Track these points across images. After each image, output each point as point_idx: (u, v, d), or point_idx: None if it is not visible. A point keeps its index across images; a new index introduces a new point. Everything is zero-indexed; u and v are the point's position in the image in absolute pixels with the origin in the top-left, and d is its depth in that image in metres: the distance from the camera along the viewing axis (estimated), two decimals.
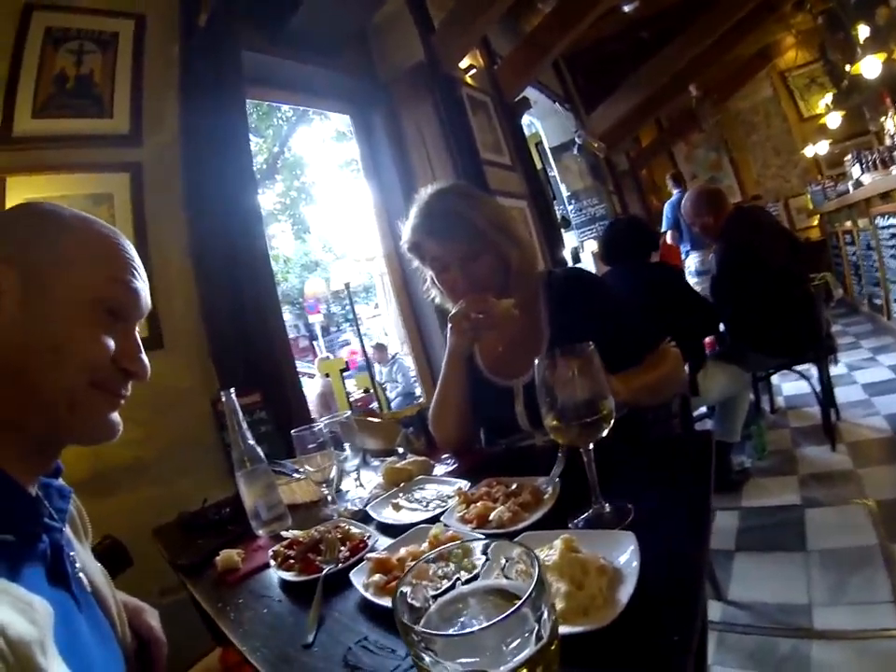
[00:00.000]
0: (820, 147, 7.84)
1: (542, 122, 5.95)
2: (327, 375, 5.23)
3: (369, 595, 0.81)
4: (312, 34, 3.03)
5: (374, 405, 5.04)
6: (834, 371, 3.55)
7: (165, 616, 1.10)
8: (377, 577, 0.84)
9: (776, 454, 3.17)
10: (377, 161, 3.71)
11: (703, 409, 3.27)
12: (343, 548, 1.00)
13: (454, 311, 1.37)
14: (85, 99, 2.32)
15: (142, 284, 0.81)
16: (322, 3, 2.88)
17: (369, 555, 0.90)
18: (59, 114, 2.24)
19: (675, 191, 6.61)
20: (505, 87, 4.35)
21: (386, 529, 1.10)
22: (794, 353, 3.09)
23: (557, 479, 1.04)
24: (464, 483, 1.17)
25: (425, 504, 1.14)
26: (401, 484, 1.28)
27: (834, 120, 7.45)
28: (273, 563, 1.03)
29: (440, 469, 1.39)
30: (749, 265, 2.97)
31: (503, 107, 4.29)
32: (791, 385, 4.13)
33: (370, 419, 1.80)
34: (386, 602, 0.77)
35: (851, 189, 5.29)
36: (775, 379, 3.90)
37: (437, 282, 1.48)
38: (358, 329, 5.20)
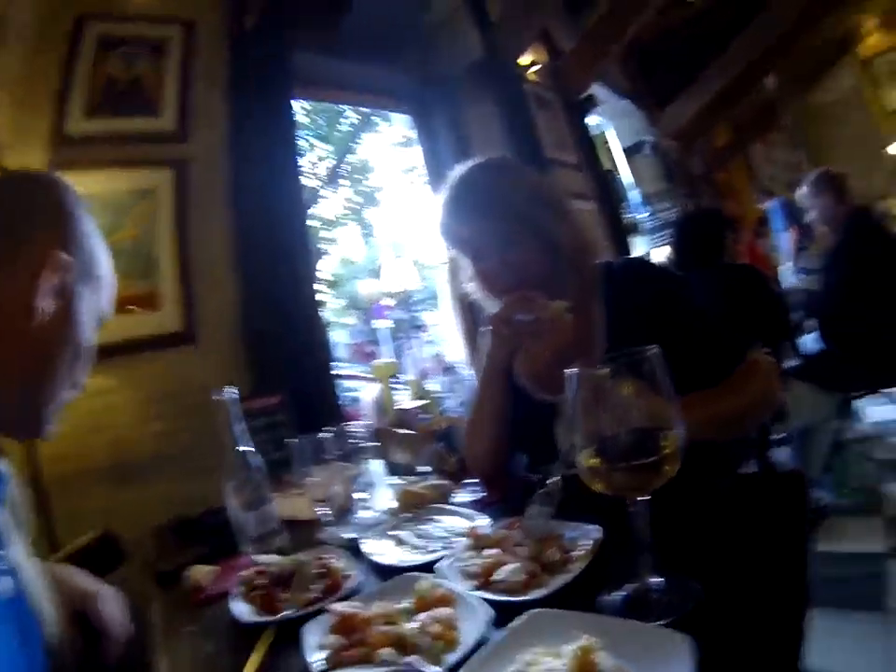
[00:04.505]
0: None
1: (612, 122, 5.69)
2: (377, 381, 5.10)
3: (313, 661, 0.65)
4: (365, 33, 2.95)
5: (424, 416, 4.86)
6: None
7: None
8: (334, 638, 0.68)
9: (858, 490, 2.79)
10: (438, 161, 3.57)
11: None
12: (316, 586, 0.84)
13: (493, 312, 1.16)
14: (134, 100, 2.36)
15: None
16: (374, 3, 2.82)
17: (332, 606, 0.73)
18: (108, 114, 2.29)
19: (771, 202, 6.38)
20: (570, 83, 4.18)
21: (378, 568, 0.92)
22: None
23: (544, 517, 0.83)
24: (483, 521, 0.98)
25: (429, 542, 0.96)
26: (414, 511, 1.11)
27: None
28: (237, 590, 0.90)
29: (464, 497, 1.21)
30: (872, 259, 2.77)
31: (569, 105, 4.13)
32: (877, 410, 3.67)
33: (397, 430, 1.63)
34: None
35: None
36: (860, 403, 3.49)
37: (473, 273, 1.25)
38: (414, 335, 5.01)
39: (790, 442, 2.77)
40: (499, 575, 0.76)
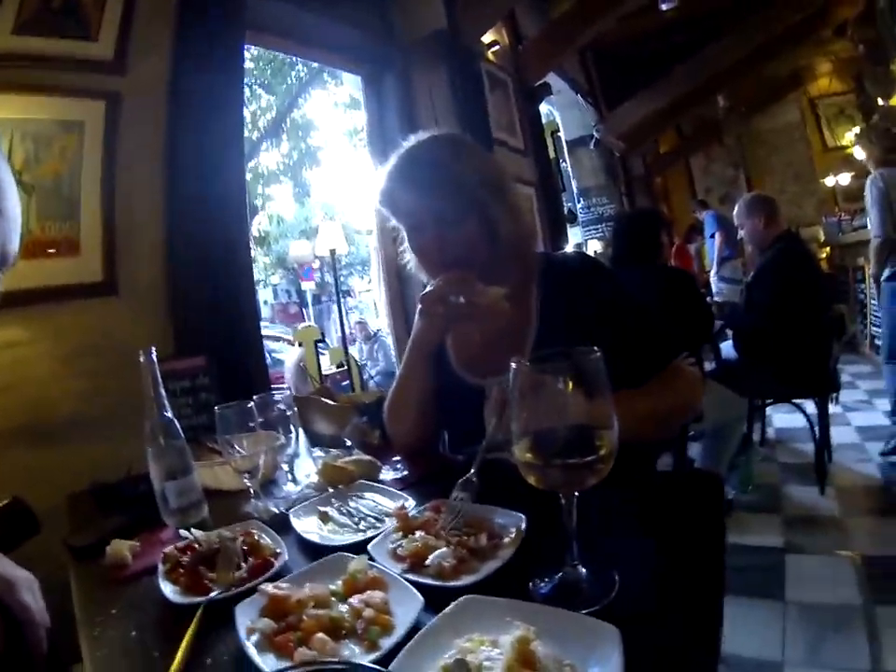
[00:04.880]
0: (842, 178, 7.70)
1: (561, 113, 5.77)
2: (300, 344, 4.98)
3: (249, 646, 0.62)
4: None
5: (345, 383, 4.82)
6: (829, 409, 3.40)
7: None
8: (265, 622, 0.65)
9: (761, 488, 3.01)
10: (383, 126, 3.49)
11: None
12: (244, 564, 0.80)
13: (427, 289, 1.14)
14: (70, 19, 2.11)
15: None
16: None
17: (263, 587, 0.70)
18: (40, 32, 2.03)
19: (704, 213, 6.66)
20: (527, 69, 4.20)
21: (305, 545, 0.90)
22: (804, 383, 2.96)
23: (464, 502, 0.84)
24: (409, 501, 0.97)
25: (356, 521, 0.94)
26: (339, 487, 1.08)
27: (862, 152, 7.25)
28: (161, 567, 0.84)
29: (388, 475, 1.19)
30: (796, 282, 2.92)
31: (522, 90, 4.14)
32: (783, 417, 3.95)
33: (322, 399, 1.56)
34: (270, 663, 0.60)
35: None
36: (769, 408, 3.73)
37: (410, 245, 1.24)
38: (339, 299, 4.88)
39: (700, 439, 2.92)
40: (430, 559, 0.75)
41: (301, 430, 1.24)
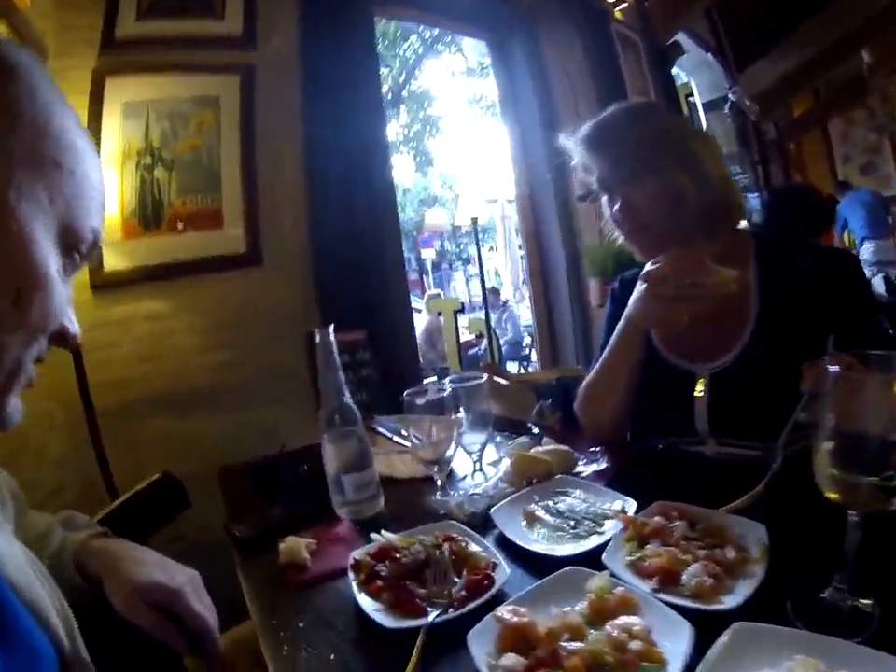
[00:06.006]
0: None
1: (691, 75, 5.36)
2: (439, 314, 5.04)
3: None
4: None
5: (484, 345, 4.78)
6: None
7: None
8: (513, 658, 0.53)
9: None
10: (516, 94, 3.37)
11: None
12: (457, 579, 0.69)
13: (649, 267, 1.01)
14: (194, 1, 2.14)
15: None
16: None
17: (499, 613, 0.58)
18: (164, 15, 2.09)
19: (847, 193, 6.16)
20: (655, 28, 3.86)
21: (515, 551, 0.77)
22: None
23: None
24: (630, 501, 0.83)
25: (572, 524, 0.81)
26: (534, 481, 0.96)
27: None
28: (352, 576, 0.73)
29: (586, 467, 1.05)
30: None
31: (653, 50, 3.82)
32: None
33: (496, 379, 1.41)
34: None
35: None
36: None
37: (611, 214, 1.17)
38: (482, 270, 4.81)
39: None
40: (685, 577, 0.64)
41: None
